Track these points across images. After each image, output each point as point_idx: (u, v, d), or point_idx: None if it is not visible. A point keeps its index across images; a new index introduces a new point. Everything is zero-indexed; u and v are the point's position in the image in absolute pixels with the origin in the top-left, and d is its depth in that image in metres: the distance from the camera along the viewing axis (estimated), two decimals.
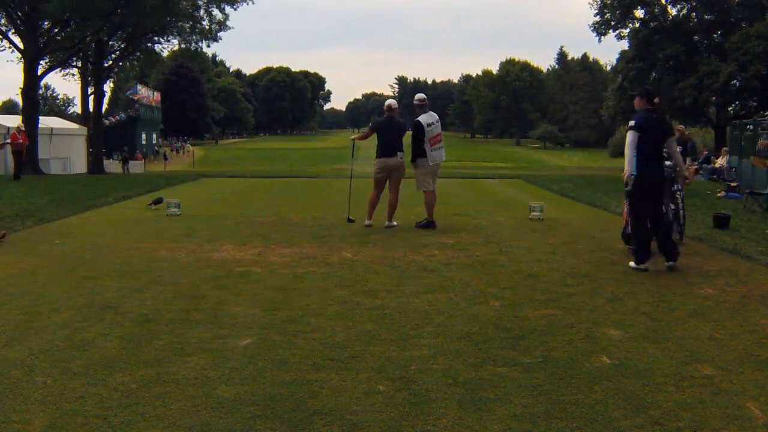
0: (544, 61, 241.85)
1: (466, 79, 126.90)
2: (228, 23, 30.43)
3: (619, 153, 42.60)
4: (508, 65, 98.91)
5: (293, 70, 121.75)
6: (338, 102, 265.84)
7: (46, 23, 26.33)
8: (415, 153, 8.45)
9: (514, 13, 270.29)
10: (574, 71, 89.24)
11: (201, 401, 3.01)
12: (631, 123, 6.02)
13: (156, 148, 60.28)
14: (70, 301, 4.75)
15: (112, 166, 36.41)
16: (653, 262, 6.03)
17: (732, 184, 14.44)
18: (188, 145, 68.38)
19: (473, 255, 6.66)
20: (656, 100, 6.09)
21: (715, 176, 18.59)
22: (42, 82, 34.82)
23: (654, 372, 3.42)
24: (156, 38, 30.87)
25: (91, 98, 31.28)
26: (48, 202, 11.12)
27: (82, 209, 10.43)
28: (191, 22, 29.81)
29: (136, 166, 39.37)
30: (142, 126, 52.93)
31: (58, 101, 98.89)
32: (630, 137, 6.00)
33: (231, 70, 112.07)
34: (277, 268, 5.97)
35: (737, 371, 3.44)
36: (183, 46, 31.82)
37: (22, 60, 25.21)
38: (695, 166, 16.07)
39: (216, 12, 29.79)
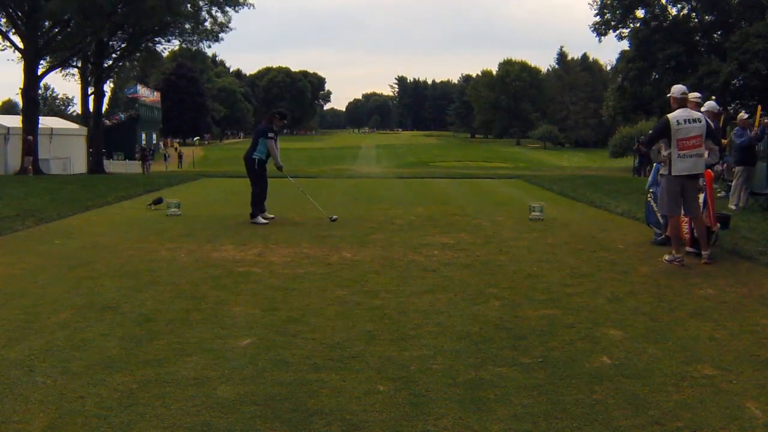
0: (544, 61, 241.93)
1: (466, 79, 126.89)
2: (230, 25, 30.50)
3: (620, 153, 42.69)
4: (508, 65, 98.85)
5: (293, 70, 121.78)
6: (338, 102, 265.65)
7: (46, 23, 26.33)
8: None
9: (514, 13, 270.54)
10: (574, 71, 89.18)
11: (201, 401, 3.01)
12: None
13: (163, 146, 60.37)
14: (70, 301, 4.75)
15: (113, 165, 36.36)
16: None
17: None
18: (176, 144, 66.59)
19: (473, 255, 6.66)
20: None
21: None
22: (42, 82, 34.85)
23: (654, 372, 3.42)
24: (156, 38, 30.90)
25: (91, 98, 31.29)
26: (48, 202, 11.11)
27: (82, 209, 10.42)
28: (193, 23, 29.82)
29: (137, 166, 39.30)
30: (142, 126, 52.92)
31: (58, 101, 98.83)
32: None
33: (231, 70, 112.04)
34: (277, 268, 5.97)
35: (737, 371, 3.44)
36: (184, 46, 31.86)
37: (22, 60, 25.21)
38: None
39: (218, 14, 29.84)
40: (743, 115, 11.76)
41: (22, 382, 3.23)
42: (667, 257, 6.23)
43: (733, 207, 10.67)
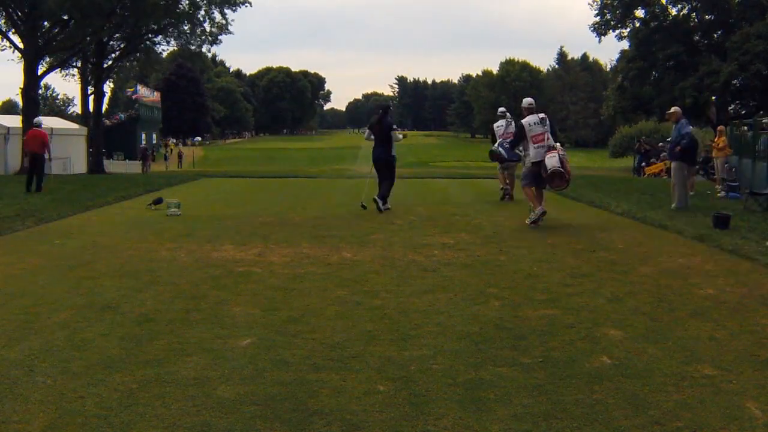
0: (544, 61, 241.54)
1: (466, 79, 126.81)
2: (229, 27, 30.43)
3: (620, 153, 42.66)
4: (508, 65, 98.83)
5: (293, 70, 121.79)
6: (338, 102, 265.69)
7: (46, 23, 26.34)
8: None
9: (514, 13, 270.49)
10: (574, 71, 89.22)
11: (201, 401, 3.01)
12: None
13: (165, 146, 60.38)
14: (70, 301, 4.75)
15: (113, 165, 36.36)
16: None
17: (732, 183, 14.43)
18: (172, 144, 65.40)
19: (473, 255, 6.66)
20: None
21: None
22: (42, 82, 34.88)
23: (654, 372, 3.42)
24: (155, 39, 30.91)
25: (91, 98, 31.32)
26: (48, 202, 11.12)
27: (82, 209, 10.42)
28: (190, 25, 29.80)
29: (137, 166, 39.27)
30: (142, 126, 52.98)
31: (58, 101, 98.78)
32: None
33: (231, 70, 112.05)
34: (277, 268, 5.97)
35: (737, 371, 3.44)
36: (183, 47, 31.85)
37: (22, 60, 25.22)
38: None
39: (217, 15, 29.80)
40: (677, 109, 10.99)
41: (22, 382, 3.23)
42: (529, 220, 8.52)
43: (675, 206, 10.45)
